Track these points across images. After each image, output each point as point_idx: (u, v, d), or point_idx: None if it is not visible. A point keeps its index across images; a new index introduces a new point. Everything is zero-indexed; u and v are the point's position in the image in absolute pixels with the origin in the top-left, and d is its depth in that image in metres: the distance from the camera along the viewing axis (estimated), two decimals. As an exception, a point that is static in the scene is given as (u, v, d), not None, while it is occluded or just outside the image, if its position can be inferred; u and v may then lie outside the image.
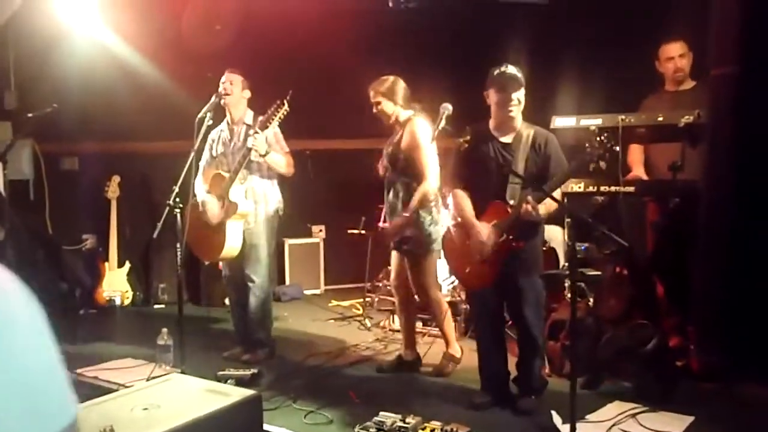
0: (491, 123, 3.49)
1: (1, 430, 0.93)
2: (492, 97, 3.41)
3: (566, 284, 4.55)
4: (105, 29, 5.50)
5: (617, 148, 3.10)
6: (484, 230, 3.37)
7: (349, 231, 5.58)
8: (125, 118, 5.72)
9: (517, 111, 3.40)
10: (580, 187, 4.16)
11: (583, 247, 5.63)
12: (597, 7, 4.85)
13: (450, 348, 4.17)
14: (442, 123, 3.26)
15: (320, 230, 6.68)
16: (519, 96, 3.38)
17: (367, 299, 5.60)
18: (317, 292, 6.51)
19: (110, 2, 5.37)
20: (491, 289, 3.49)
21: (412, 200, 3.93)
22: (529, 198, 3.18)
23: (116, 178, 6.00)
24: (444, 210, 4.15)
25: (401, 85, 4.07)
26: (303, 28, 5.60)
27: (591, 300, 4.94)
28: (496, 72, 3.38)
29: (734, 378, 3.57)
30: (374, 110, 4.10)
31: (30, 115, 4.42)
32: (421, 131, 3.93)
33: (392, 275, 4.31)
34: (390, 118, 4.07)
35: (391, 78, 4.08)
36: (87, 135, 5.78)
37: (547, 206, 3.25)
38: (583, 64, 4.82)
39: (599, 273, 4.03)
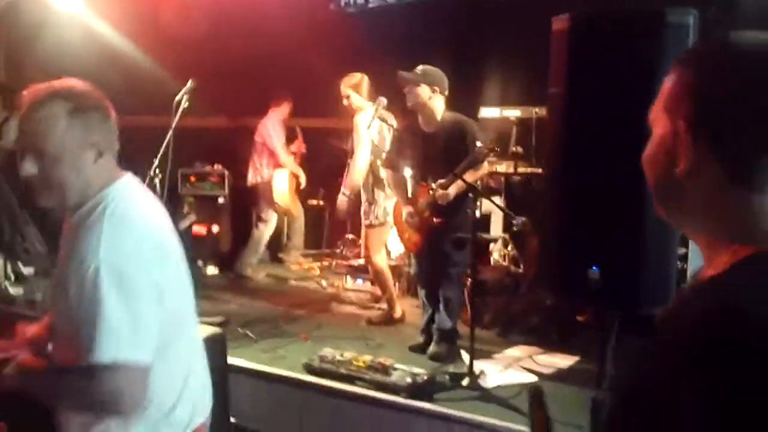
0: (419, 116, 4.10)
1: None
2: None
3: (492, 248, 5.29)
4: (90, 14, 6.03)
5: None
6: (407, 210, 4.08)
7: (309, 201, 6.26)
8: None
9: (412, 100, 3.93)
10: (502, 168, 4.88)
11: (519, 221, 6.38)
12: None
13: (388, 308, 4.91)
14: (376, 113, 3.93)
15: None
16: (410, 90, 3.89)
17: (325, 263, 6.31)
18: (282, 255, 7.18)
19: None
20: (424, 254, 4.19)
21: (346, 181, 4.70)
22: (433, 185, 3.87)
23: (101, 149, 6.55)
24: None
25: (366, 82, 4.72)
26: (281, 20, 6.02)
27: (522, 266, 5.73)
28: None
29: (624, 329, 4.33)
30: (344, 102, 4.73)
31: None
32: (361, 124, 4.58)
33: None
34: (356, 111, 4.71)
35: (359, 75, 4.72)
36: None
37: (458, 186, 3.86)
38: (507, 59, 5.38)
39: (494, 236, 4.76)
